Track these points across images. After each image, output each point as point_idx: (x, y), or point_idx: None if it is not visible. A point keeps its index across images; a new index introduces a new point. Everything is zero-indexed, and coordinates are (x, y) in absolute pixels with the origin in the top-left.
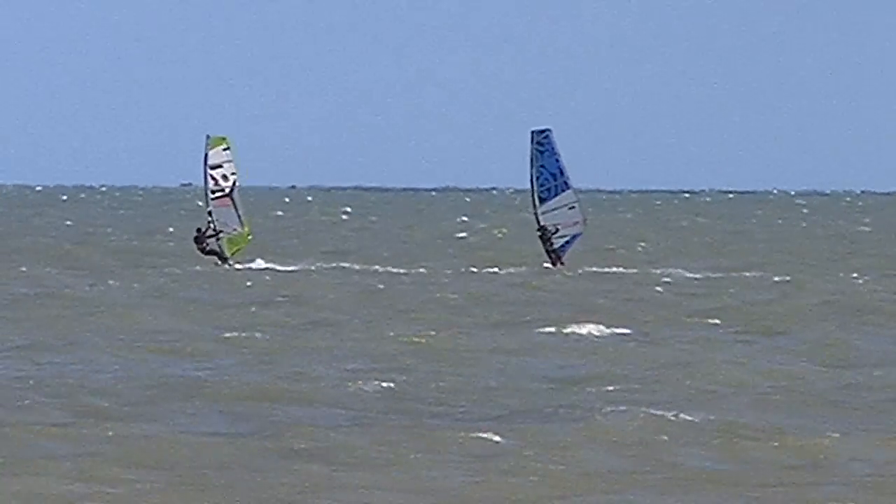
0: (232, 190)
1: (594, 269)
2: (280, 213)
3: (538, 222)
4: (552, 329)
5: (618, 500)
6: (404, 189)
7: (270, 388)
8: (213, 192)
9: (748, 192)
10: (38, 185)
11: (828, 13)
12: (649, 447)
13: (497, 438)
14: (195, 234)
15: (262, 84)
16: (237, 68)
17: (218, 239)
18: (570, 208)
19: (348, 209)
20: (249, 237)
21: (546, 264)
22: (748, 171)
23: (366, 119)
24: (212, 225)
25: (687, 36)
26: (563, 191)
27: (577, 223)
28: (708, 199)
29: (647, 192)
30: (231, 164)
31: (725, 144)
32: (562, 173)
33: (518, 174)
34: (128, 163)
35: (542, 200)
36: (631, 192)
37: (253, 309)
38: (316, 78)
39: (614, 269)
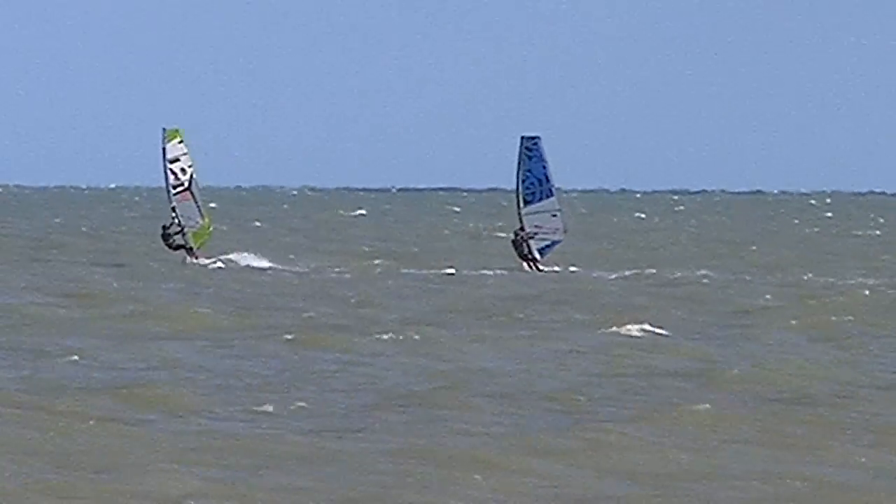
0: (190, 183)
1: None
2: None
3: (520, 223)
4: None
5: None
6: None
7: None
8: (174, 186)
9: (758, 192)
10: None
11: (830, 13)
12: None
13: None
14: (161, 231)
15: (257, 83)
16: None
17: (184, 234)
18: (552, 215)
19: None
20: (210, 229)
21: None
22: (752, 171)
23: (366, 121)
24: (176, 220)
25: (689, 34)
26: (548, 197)
27: (557, 230)
28: (717, 199)
29: (657, 192)
30: (187, 156)
31: (725, 144)
32: (548, 180)
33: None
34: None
35: (526, 203)
36: (635, 192)
37: None
38: (316, 80)
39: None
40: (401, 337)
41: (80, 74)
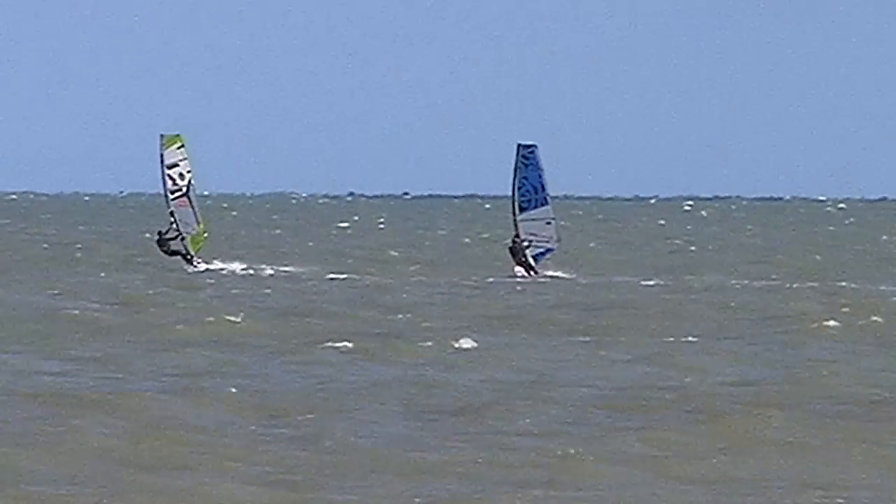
0: (188, 189)
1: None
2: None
3: (516, 229)
4: None
5: None
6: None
7: None
8: (172, 192)
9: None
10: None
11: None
12: None
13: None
14: (157, 236)
15: (254, 86)
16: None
17: (182, 239)
18: (546, 223)
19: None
20: (206, 234)
21: (520, 273)
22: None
23: (366, 124)
24: (174, 226)
25: (703, 40)
26: (543, 205)
27: (551, 238)
28: (734, 205)
29: (670, 199)
30: (186, 161)
31: (736, 150)
32: (543, 189)
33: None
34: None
35: (521, 209)
36: (648, 198)
37: None
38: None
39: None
40: (457, 344)
41: (95, 82)
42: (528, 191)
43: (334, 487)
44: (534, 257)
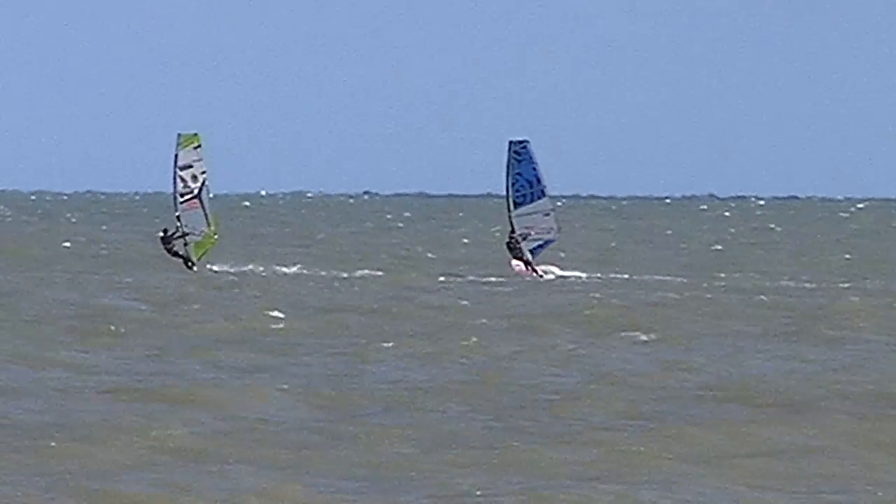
0: (200, 190)
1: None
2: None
3: (511, 226)
4: None
5: None
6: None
7: None
8: (182, 195)
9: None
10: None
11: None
12: None
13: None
14: (161, 234)
15: (248, 84)
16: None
17: (186, 243)
18: (545, 215)
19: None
20: (216, 237)
21: (517, 266)
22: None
23: (367, 125)
24: (180, 229)
25: (719, 42)
26: (540, 198)
27: (551, 230)
28: (751, 204)
29: (685, 197)
30: (201, 162)
31: (751, 149)
32: (539, 181)
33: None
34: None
35: (516, 205)
36: (664, 198)
37: None
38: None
39: None
40: (503, 342)
41: (110, 81)
42: (522, 185)
43: (406, 484)
44: (531, 251)
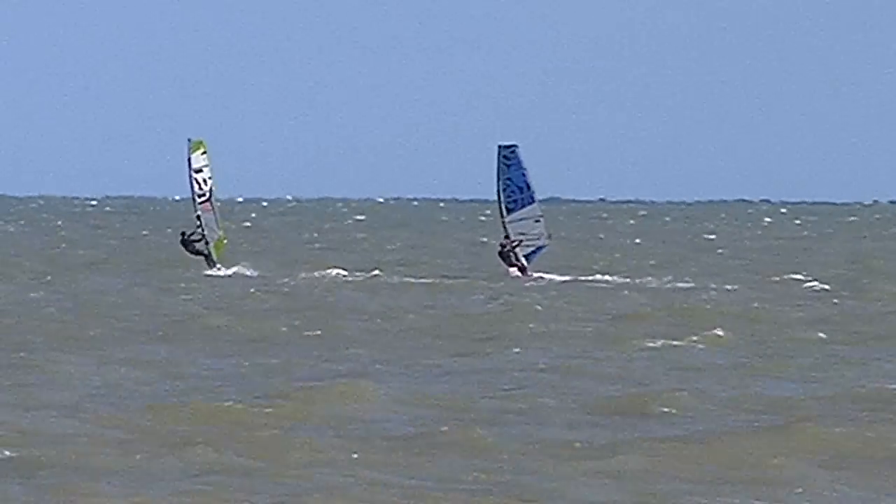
0: (210, 194)
1: None
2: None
3: (505, 231)
4: None
5: None
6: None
7: None
8: (199, 196)
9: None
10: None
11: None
12: None
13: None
14: (181, 237)
15: (246, 87)
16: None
17: (207, 243)
18: (535, 221)
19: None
20: (225, 241)
21: (515, 274)
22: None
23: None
24: (200, 230)
25: (721, 45)
26: (529, 204)
27: (542, 235)
28: (765, 208)
29: (698, 202)
30: (208, 167)
31: (757, 154)
32: (528, 187)
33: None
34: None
35: (508, 211)
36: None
37: None
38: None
39: None
40: (596, 344)
41: (125, 87)
42: (513, 191)
43: (526, 482)
44: (525, 256)
